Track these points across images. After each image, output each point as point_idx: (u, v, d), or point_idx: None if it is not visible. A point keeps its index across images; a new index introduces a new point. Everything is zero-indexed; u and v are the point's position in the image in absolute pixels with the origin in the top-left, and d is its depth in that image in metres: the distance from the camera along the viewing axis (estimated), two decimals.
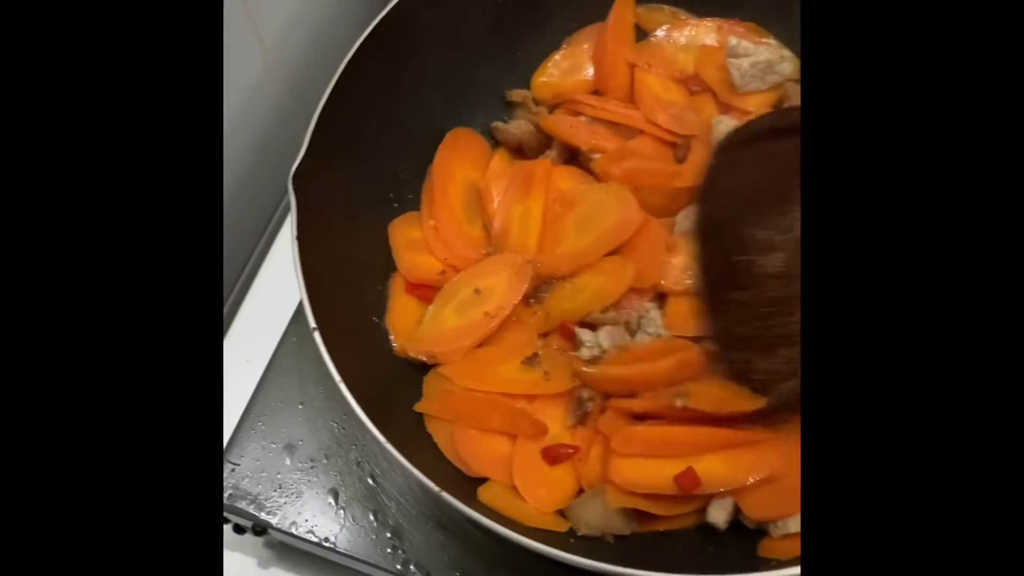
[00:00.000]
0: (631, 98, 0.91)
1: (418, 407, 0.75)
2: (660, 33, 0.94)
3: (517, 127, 0.92)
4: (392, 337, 0.80)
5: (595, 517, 0.69)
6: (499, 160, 0.91)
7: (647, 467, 0.70)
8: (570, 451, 0.73)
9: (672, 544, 0.71)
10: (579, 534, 0.69)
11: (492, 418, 0.74)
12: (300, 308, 0.85)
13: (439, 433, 0.74)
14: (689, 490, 0.68)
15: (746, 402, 0.70)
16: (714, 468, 0.69)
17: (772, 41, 0.92)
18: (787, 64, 0.89)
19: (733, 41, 0.90)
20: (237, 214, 1.01)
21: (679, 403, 0.70)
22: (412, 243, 0.85)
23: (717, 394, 0.71)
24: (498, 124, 0.93)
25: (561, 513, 0.71)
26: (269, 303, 0.93)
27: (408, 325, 0.81)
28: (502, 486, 0.71)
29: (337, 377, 0.66)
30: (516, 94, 0.95)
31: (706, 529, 0.70)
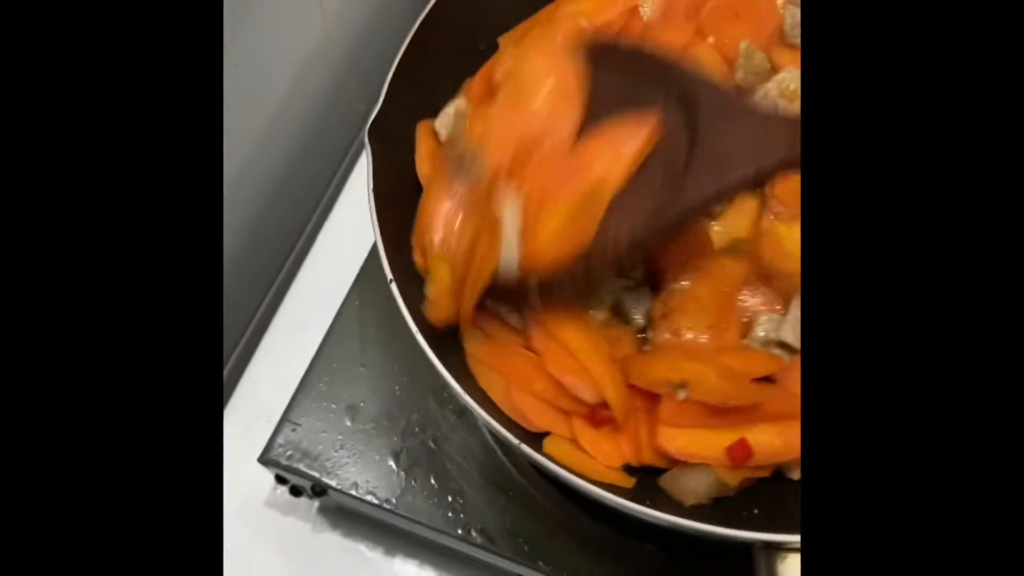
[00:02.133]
0: None
1: (470, 359, 0.70)
2: None
3: None
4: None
5: (702, 485, 0.66)
6: None
7: (697, 437, 0.67)
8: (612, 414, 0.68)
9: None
10: (687, 505, 0.65)
11: (536, 382, 0.68)
12: (362, 271, 0.86)
13: (493, 386, 0.68)
14: (741, 463, 0.65)
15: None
16: (767, 439, 0.66)
17: None
18: None
19: None
20: (291, 187, 1.01)
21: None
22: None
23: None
24: None
25: (630, 470, 0.68)
26: (325, 271, 0.93)
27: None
28: (565, 439, 0.68)
29: (414, 328, 0.64)
30: None
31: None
